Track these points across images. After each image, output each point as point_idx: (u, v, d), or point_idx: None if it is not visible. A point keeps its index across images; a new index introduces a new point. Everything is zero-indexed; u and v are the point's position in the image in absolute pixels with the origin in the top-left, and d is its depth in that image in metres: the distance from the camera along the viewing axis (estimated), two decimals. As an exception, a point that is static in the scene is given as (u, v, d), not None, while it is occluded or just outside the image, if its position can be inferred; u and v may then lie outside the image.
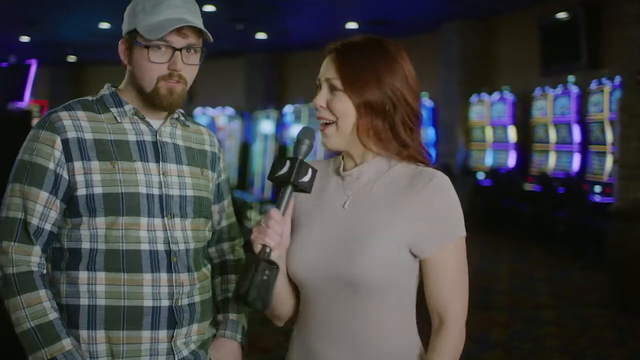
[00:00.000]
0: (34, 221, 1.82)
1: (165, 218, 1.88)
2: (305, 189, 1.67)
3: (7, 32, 14.36)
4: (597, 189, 9.15)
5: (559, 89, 10.36)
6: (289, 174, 1.65)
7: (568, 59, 10.49)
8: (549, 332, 5.93)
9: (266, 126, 13.45)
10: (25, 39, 15.26)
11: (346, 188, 1.73)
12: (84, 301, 1.84)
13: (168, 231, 1.88)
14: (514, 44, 12.06)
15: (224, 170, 2.11)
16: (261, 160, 12.88)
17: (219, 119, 16.09)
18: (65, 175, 1.83)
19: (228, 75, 17.08)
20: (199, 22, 1.86)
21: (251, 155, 13.59)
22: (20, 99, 8.63)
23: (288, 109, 14.30)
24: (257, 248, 1.64)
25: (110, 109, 1.91)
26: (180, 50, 1.83)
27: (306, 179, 1.66)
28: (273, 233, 1.64)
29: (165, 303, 1.87)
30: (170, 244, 1.88)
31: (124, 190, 1.83)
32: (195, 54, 1.88)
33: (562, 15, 10.58)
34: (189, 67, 1.87)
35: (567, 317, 6.38)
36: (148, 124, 1.92)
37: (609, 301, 6.82)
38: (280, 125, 13.71)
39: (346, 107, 1.66)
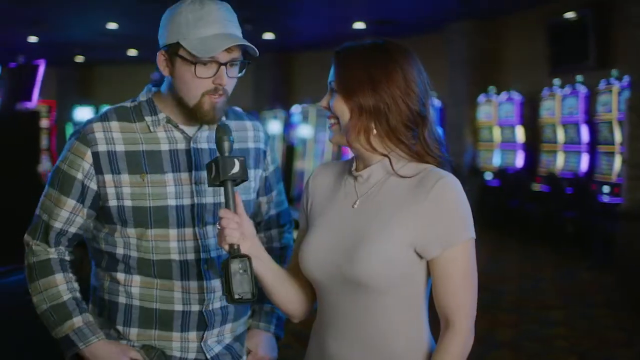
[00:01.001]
0: (57, 225, 1.94)
1: (197, 227, 1.92)
2: (241, 177, 1.74)
3: (15, 32, 14.40)
4: (606, 189, 9.12)
5: (567, 89, 10.33)
6: (217, 174, 1.72)
7: (576, 58, 10.46)
8: (556, 332, 5.92)
9: (274, 126, 13.48)
10: (33, 39, 15.30)
11: (357, 188, 1.77)
12: (121, 299, 1.95)
13: (199, 240, 1.92)
14: (521, 44, 12.03)
15: (272, 163, 2.14)
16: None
17: (227, 119, 16.10)
18: (93, 186, 1.90)
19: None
20: (241, 36, 1.88)
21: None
22: (29, 99, 8.66)
23: (295, 109, 14.32)
24: (226, 249, 1.70)
25: (145, 118, 1.93)
26: (225, 64, 1.83)
27: (236, 169, 1.73)
28: (230, 230, 1.69)
29: (195, 308, 1.93)
30: (202, 253, 1.92)
31: (152, 204, 1.88)
32: (237, 66, 1.89)
33: (570, 15, 10.56)
34: (232, 80, 1.88)
35: (574, 318, 6.37)
36: (182, 132, 1.93)
37: (616, 302, 6.81)
38: (288, 125, 13.74)
39: (342, 108, 1.71)
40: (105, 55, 17.59)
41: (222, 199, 1.90)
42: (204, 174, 1.91)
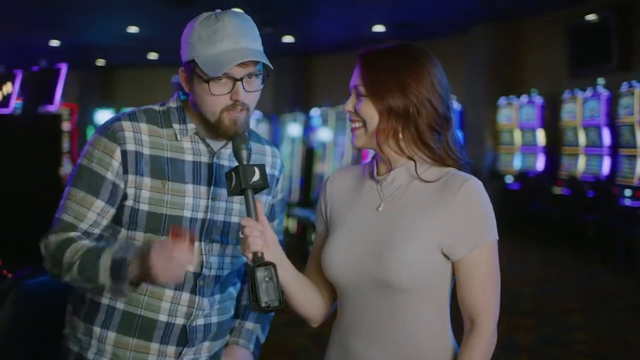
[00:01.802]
0: (83, 226, 1.85)
1: (203, 242, 1.89)
2: (262, 185, 1.74)
3: (37, 36, 14.55)
4: (627, 192, 9.06)
5: (589, 92, 10.27)
6: (238, 183, 1.72)
7: (598, 61, 10.41)
8: (577, 337, 5.87)
9: (293, 129, 13.48)
10: (55, 43, 15.45)
11: (381, 191, 1.78)
12: (105, 300, 1.88)
13: (203, 255, 1.89)
14: (542, 46, 11.98)
15: (281, 191, 2.10)
16: (288, 163, 12.90)
17: (247, 122, 16.14)
18: (122, 186, 1.84)
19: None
20: (258, 49, 1.83)
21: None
22: (51, 102, 8.72)
23: (315, 112, 14.30)
24: (250, 258, 1.69)
25: (173, 125, 1.89)
26: (241, 79, 1.80)
27: (256, 177, 1.73)
28: (254, 238, 1.69)
29: (180, 321, 1.88)
30: (203, 268, 1.89)
31: (169, 212, 1.84)
32: (257, 79, 1.85)
33: (591, 16, 10.50)
34: (251, 94, 1.83)
35: (595, 322, 6.32)
36: (208, 145, 1.91)
37: (638, 306, 6.75)
38: (308, 128, 13.73)
39: (371, 112, 1.72)
40: (126, 59, 17.72)
41: (232, 219, 1.92)
42: (221, 190, 1.89)
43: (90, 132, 17.04)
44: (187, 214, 1.86)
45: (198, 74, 1.80)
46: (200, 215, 1.87)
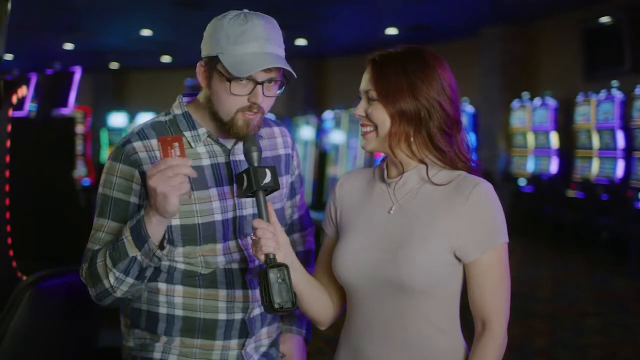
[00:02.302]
0: None
1: (239, 239, 1.90)
2: (273, 187, 1.75)
3: (51, 39, 14.62)
4: (642, 195, 9.01)
5: (603, 94, 10.22)
6: (249, 185, 1.73)
7: (611, 63, 10.35)
8: (592, 341, 5.84)
9: (306, 132, 13.50)
10: (69, 46, 15.53)
11: (392, 194, 1.79)
12: (162, 309, 1.90)
13: (245, 251, 1.90)
14: (555, 48, 11.93)
15: (297, 167, 2.12)
16: (301, 166, 12.94)
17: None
18: None
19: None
20: (282, 56, 1.83)
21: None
22: (65, 105, 8.77)
23: (328, 115, 14.33)
24: (262, 259, 1.71)
25: (184, 133, 1.88)
26: (262, 83, 1.80)
27: (267, 179, 1.74)
28: (266, 240, 1.71)
29: (238, 316, 1.91)
30: (246, 262, 1.90)
31: (201, 220, 1.85)
32: (275, 85, 1.84)
33: (605, 19, 10.45)
34: (268, 99, 1.84)
35: (610, 326, 6.29)
36: (222, 145, 1.90)
37: (653, 310, 6.72)
38: (320, 131, 13.75)
39: (382, 116, 1.73)
40: (139, 62, 17.78)
41: None
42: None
43: (104, 135, 17.10)
44: (218, 217, 1.86)
45: (220, 71, 1.80)
46: (230, 215, 1.88)
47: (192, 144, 1.88)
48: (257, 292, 1.91)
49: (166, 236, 1.82)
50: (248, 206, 1.91)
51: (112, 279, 1.78)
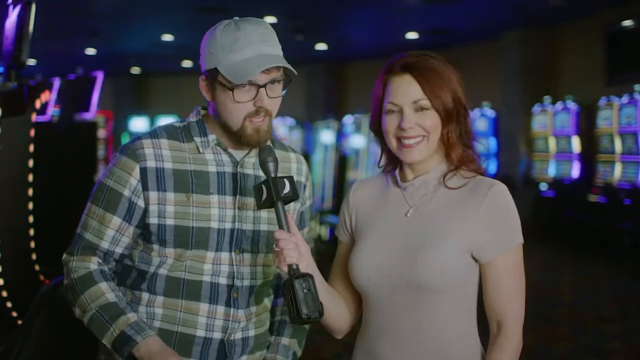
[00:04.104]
0: (104, 244, 1.87)
1: (233, 253, 1.88)
2: (292, 197, 1.76)
3: (74, 45, 14.75)
4: (665, 200, 8.93)
5: (625, 98, 10.14)
6: (269, 196, 1.73)
7: (634, 67, 10.27)
8: (613, 347, 5.79)
9: (326, 136, 13.49)
10: (91, 51, 15.65)
11: (408, 198, 1.82)
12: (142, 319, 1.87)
13: (234, 266, 1.89)
14: (577, 52, 11.87)
15: (309, 198, 2.09)
16: (321, 170, 12.92)
17: (279, 129, 16.22)
18: (140, 203, 1.85)
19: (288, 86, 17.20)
20: (279, 55, 1.83)
21: (311, 166, 13.65)
22: (87, 110, 8.82)
23: (348, 119, 14.31)
24: (285, 270, 1.71)
25: (195, 139, 1.90)
26: (264, 86, 1.80)
27: (287, 189, 1.74)
28: (289, 250, 1.70)
29: (217, 336, 1.88)
30: (235, 279, 1.89)
31: (196, 224, 1.85)
32: (279, 84, 1.85)
33: (628, 22, 10.37)
34: (274, 100, 1.84)
35: (632, 332, 6.23)
36: (230, 155, 1.91)
37: (677, 316, 6.64)
38: (340, 135, 13.74)
39: (436, 122, 1.76)
40: (160, 67, 17.87)
41: (261, 227, 1.92)
42: (247, 199, 1.89)
43: (125, 139, 17.27)
44: (214, 225, 1.86)
45: (221, 82, 1.81)
46: (228, 226, 1.87)
47: (201, 149, 1.89)
48: (240, 313, 1.89)
49: (157, 237, 1.84)
50: (249, 221, 1.90)
51: (77, 312, 1.86)
